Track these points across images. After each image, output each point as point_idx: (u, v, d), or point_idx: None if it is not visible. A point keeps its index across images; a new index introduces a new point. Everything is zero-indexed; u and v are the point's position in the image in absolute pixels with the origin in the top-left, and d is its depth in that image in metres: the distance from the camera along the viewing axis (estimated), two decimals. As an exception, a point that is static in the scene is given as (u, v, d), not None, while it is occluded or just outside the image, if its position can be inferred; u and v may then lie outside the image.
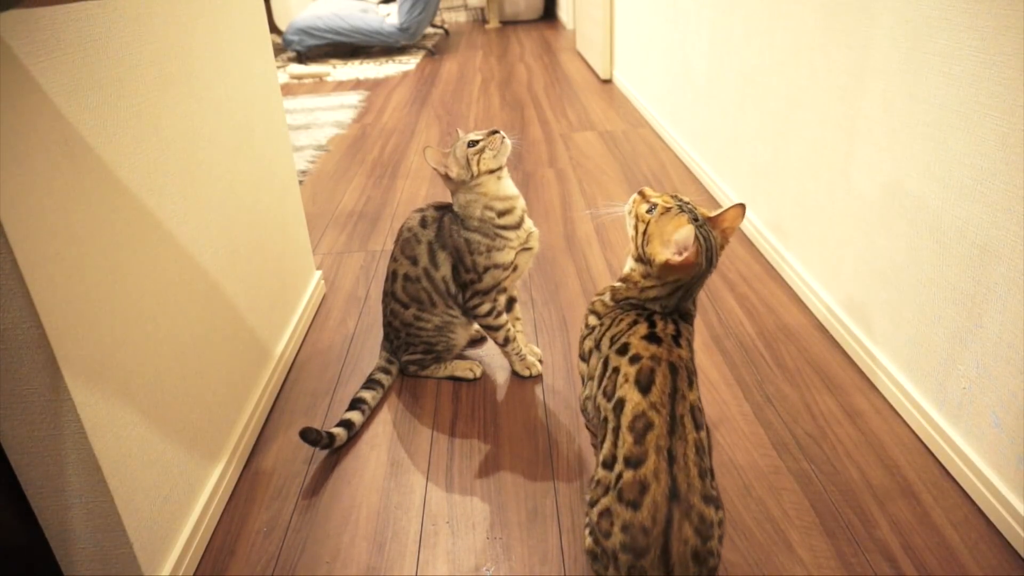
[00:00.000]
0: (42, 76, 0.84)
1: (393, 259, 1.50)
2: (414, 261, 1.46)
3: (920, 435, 1.31)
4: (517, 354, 1.53)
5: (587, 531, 0.94)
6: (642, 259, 1.04)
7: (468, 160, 1.38)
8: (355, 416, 1.40)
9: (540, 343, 1.66)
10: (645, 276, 1.03)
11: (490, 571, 1.11)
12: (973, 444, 1.18)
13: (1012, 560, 1.07)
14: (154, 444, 1.05)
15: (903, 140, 1.31)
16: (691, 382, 0.93)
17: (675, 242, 0.98)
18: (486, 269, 1.42)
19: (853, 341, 1.53)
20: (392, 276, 1.49)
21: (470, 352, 1.65)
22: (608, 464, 0.90)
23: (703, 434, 0.90)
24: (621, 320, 1.02)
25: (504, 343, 1.51)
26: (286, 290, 1.67)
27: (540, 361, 1.59)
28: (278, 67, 4.84)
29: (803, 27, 1.68)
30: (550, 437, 1.37)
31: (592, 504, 0.92)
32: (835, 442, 1.31)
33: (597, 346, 1.04)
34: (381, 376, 1.51)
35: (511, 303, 1.56)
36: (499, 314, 1.48)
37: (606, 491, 0.89)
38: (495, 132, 1.39)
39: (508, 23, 6.62)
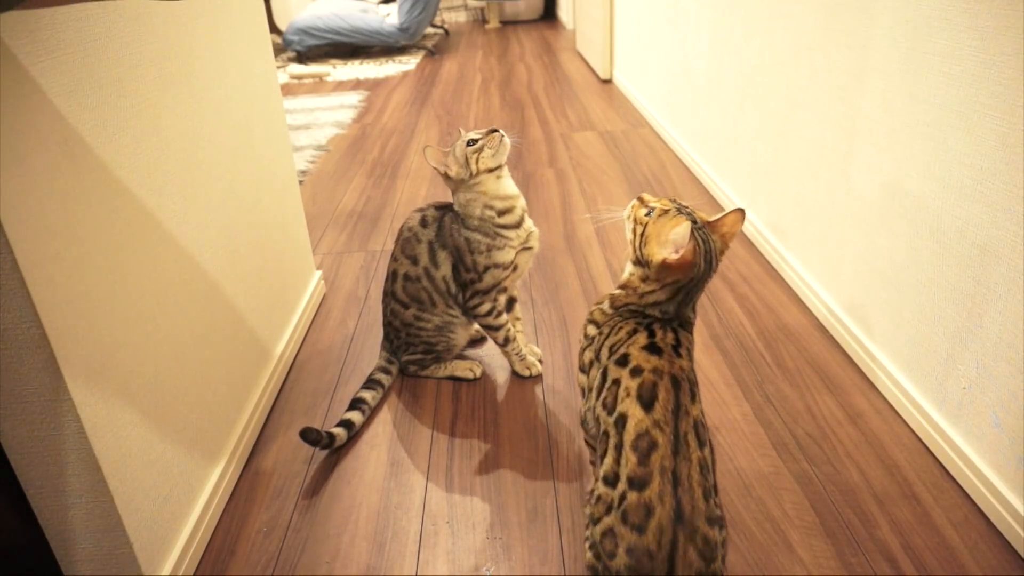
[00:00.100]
0: (42, 76, 0.84)
1: (393, 259, 1.50)
2: (414, 261, 1.46)
3: (920, 435, 1.31)
4: (517, 354, 1.53)
5: (587, 545, 0.93)
6: (640, 261, 1.03)
7: (467, 159, 1.38)
8: (355, 416, 1.40)
9: (540, 343, 1.66)
10: (644, 280, 1.02)
11: (490, 571, 1.11)
12: (973, 444, 1.18)
13: (1012, 560, 1.07)
14: (154, 444, 1.05)
15: (903, 140, 1.31)
16: (693, 395, 0.92)
17: (671, 240, 0.97)
18: (486, 268, 1.42)
19: (853, 341, 1.53)
20: (392, 276, 1.49)
21: (470, 352, 1.66)
22: (610, 481, 0.88)
23: (706, 451, 0.89)
24: (620, 328, 1.01)
25: (504, 343, 1.51)
26: (286, 290, 1.67)
27: (540, 361, 1.59)
28: (278, 67, 4.84)
29: (803, 27, 1.68)
30: (550, 437, 1.37)
31: (594, 521, 0.90)
32: (835, 442, 1.31)
33: (597, 357, 1.02)
34: (381, 376, 1.51)
35: (511, 303, 1.56)
36: (499, 314, 1.48)
37: (608, 509, 0.87)
38: (494, 131, 1.39)
39: (508, 23, 6.62)
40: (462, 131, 1.44)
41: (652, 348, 0.95)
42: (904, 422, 1.35)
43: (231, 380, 1.33)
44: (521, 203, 1.44)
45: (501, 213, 1.41)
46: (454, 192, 1.44)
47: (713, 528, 0.85)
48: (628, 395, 0.90)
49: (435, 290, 1.46)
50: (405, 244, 1.47)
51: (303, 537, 1.18)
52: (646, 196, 1.07)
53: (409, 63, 4.94)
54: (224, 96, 1.36)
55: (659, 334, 0.97)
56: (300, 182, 2.76)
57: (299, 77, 4.63)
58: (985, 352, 1.14)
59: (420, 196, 2.58)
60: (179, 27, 1.19)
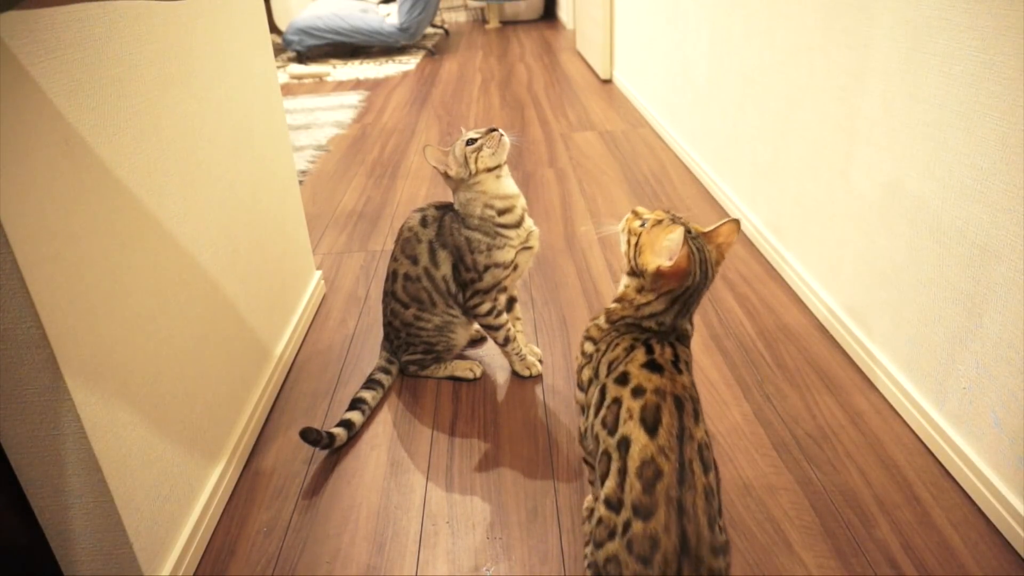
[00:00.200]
0: (42, 76, 0.84)
1: (393, 259, 1.50)
2: (414, 260, 1.46)
3: (920, 435, 1.31)
4: (517, 354, 1.53)
5: (587, 564, 0.92)
6: (635, 272, 1.02)
7: (466, 158, 1.38)
8: (355, 416, 1.40)
9: (540, 343, 1.66)
10: (640, 291, 1.01)
11: (490, 571, 1.11)
12: (973, 444, 1.18)
13: (1012, 560, 1.07)
14: (154, 444, 1.05)
15: (903, 140, 1.31)
16: (697, 415, 0.91)
17: (665, 248, 0.97)
18: (486, 268, 1.42)
19: (853, 341, 1.53)
20: (392, 276, 1.49)
21: (470, 352, 1.66)
22: (613, 506, 0.87)
23: (711, 476, 0.88)
24: (617, 345, 0.99)
25: (504, 343, 1.51)
26: (286, 290, 1.67)
27: (540, 361, 1.59)
28: (278, 67, 4.84)
29: (803, 27, 1.68)
30: (550, 437, 1.37)
31: (597, 544, 0.89)
32: (835, 442, 1.31)
33: (595, 374, 1.01)
34: (381, 376, 1.51)
35: (511, 303, 1.56)
36: (499, 313, 1.48)
37: (612, 535, 0.86)
38: (493, 130, 1.39)
39: (508, 23, 6.62)
40: (464, 130, 1.44)
41: (652, 366, 0.93)
42: (904, 422, 1.35)
43: (231, 380, 1.33)
44: (521, 202, 1.44)
45: (501, 212, 1.41)
46: (454, 191, 1.44)
47: (718, 558, 0.85)
48: (631, 417, 0.89)
49: (435, 290, 1.46)
50: (405, 244, 1.47)
51: (303, 537, 1.18)
52: (640, 209, 1.07)
53: (409, 63, 4.94)
54: (224, 96, 1.36)
55: (657, 350, 0.96)
56: (300, 182, 2.76)
57: (299, 77, 4.63)
58: (985, 352, 1.14)
59: (420, 196, 2.58)
60: (179, 27, 1.19)
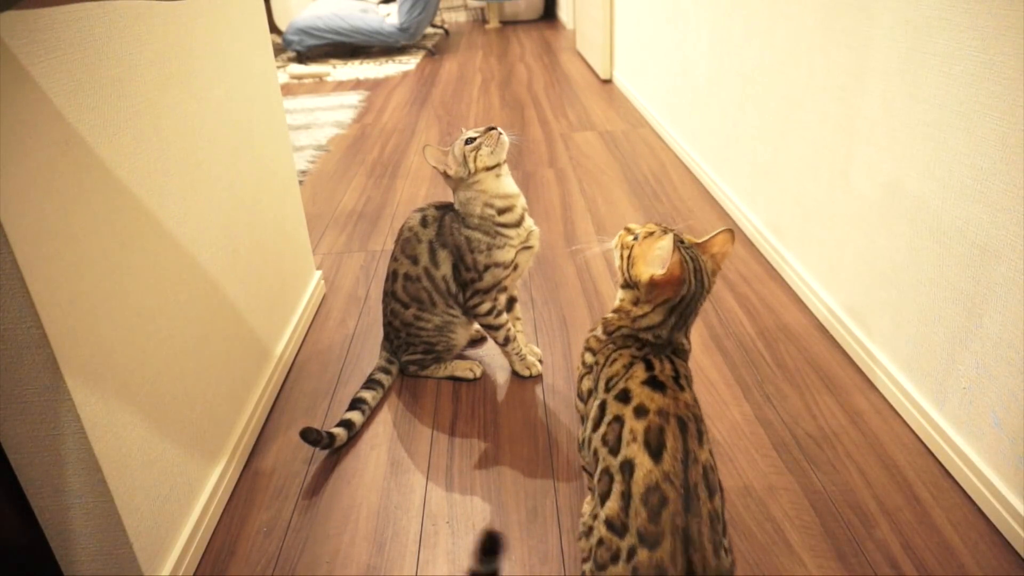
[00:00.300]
0: (42, 76, 0.84)
1: (393, 259, 1.50)
2: (415, 260, 1.46)
3: (920, 435, 1.31)
4: (517, 354, 1.53)
5: None
6: (629, 283, 1.02)
7: (465, 157, 1.38)
8: (355, 416, 1.40)
9: (540, 343, 1.66)
10: (635, 302, 1.01)
11: (490, 571, 1.11)
12: (973, 444, 1.18)
13: (1012, 560, 1.07)
14: (154, 444, 1.05)
15: (903, 140, 1.31)
16: (700, 435, 0.90)
17: (656, 257, 0.96)
18: (486, 267, 1.42)
19: (853, 341, 1.53)
20: (392, 276, 1.49)
21: (470, 352, 1.66)
22: (616, 529, 0.86)
23: (717, 500, 0.87)
24: (615, 360, 0.99)
25: (504, 343, 1.51)
26: (286, 290, 1.67)
27: (540, 361, 1.59)
28: (278, 67, 4.84)
29: (803, 27, 1.68)
30: (550, 437, 1.37)
31: (600, 566, 0.88)
32: (835, 442, 1.31)
33: (595, 387, 1.01)
34: (381, 376, 1.51)
35: (511, 303, 1.56)
36: (499, 313, 1.48)
37: (615, 559, 0.85)
38: (492, 128, 1.39)
39: (508, 23, 6.62)
40: (464, 130, 1.44)
41: (654, 383, 0.92)
42: (904, 422, 1.35)
43: (231, 380, 1.33)
44: (521, 202, 1.44)
45: (501, 212, 1.41)
46: (454, 191, 1.44)
47: None
48: (634, 439, 0.88)
49: (435, 290, 1.46)
50: (405, 244, 1.47)
51: (303, 537, 1.18)
52: (632, 225, 1.07)
53: (409, 63, 4.94)
54: (224, 96, 1.36)
55: (657, 366, 0.95)
56: (300, 182, 2.76)
57: (299, 77, 4.63)
58: (985, 352, 1.14)
59: (420, 196, 2.58)
60: (179, 27, 1.19)
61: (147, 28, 1.09)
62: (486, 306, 1.46)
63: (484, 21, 6.79)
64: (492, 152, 1.39)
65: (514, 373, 1.56)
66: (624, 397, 0.93)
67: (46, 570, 0.98)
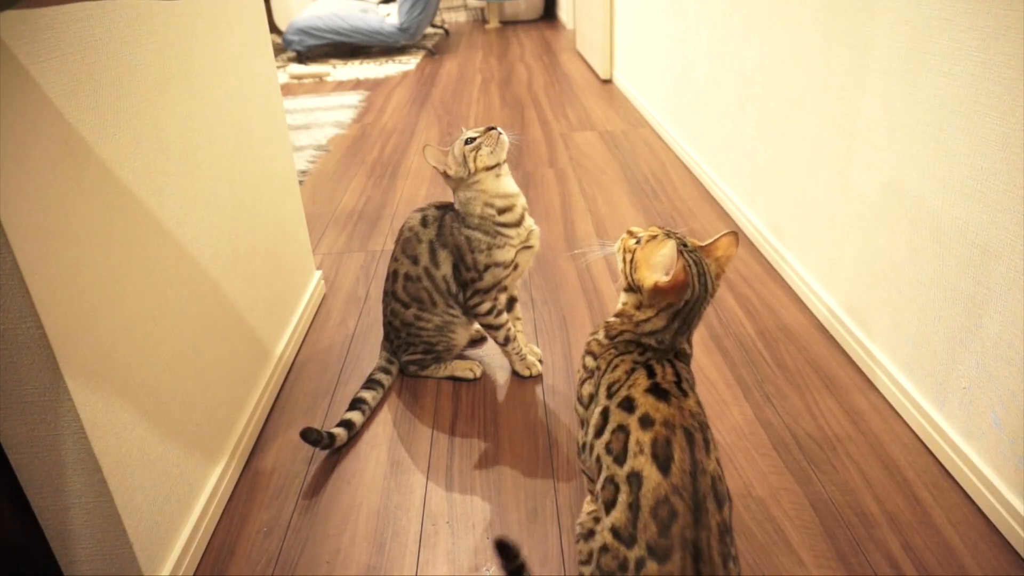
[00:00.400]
0: (42, 76, 0.84)
1: (394, 258, 1.50)
2: (415, 260, 1.46)
3: (920, 435, 1.31)
4: (517, 354, 1.53)
5: None
6: (632, 287, 1.01)
7: (465, 157, 1.38)
8: (355, 416, 1.40)
9: (540, 343, 1.66)
10: (638, 307, 1.00)
11: (490, 571, 1.11)
12: (973, 444, 1.18)
13: (1012, 560, 1.07)
14: (154, 444, 1.05)
15: (903, 140, 1.31)
16: (707, 444, 0.89)
17: (660, 263, 0.96)
18: (487, 267, 1.42)
19: (853, 341, 1.53)
20: (393, 275, 1.50)
21: (470, 352, 1.66)
22: (623, 538, 0.85)
23: (725, 510, 0.87)
24: (617, 366, 0.98)
25: (504, 342, 1.51)
26: (286, 290, 1.67)
27: (540, 361, 1.59)
28: (278, 67, 4.84)
29: (803, 27, 1.68)
30: (550, 437, 1.37)
31: (605, 575, 0.87)
32: (835, 442, 1.31)
33: (596, 392, 1.00)
34: (381, 376, 1.51)
35: (511, 303, 1.56)
36: (499, 313, 1.48)
37: (623, 568, 0.85)
38: (492, 128, 1.40)
39: (508, 23, 6.62)
40: (464, 130, 1.44)
41: (657, 391, 0.92)
42: (904, 422, 1.35)
43: (231, 380, 1.33)
44: (521, 201, 1.44)
45: (501, 211, 1.41)
46: (454, 191, 1.44)
47: None
48: (641, 451, 0.87)
49: (435, 290, 1.46)
50: (406, 244, 1.47)
51: (303, 537, 1.18)
52: (635, 228, 1.06)
53: (409, 63, 4.94)
54: (224, 96, 1.36)
55: (659, 372, 0.95)
56: (300, 182, 2.76)
57: (299, 77, 4.63)
58: (985, 352, 1.14)
59: (420, 196, 2.58)
60: (179, 27, 1.19)
61: (147, 28, 1.09)
62: (486, 306, 1.46)
63: (484, 21, 6.79)
64: (492, 152, 1.39)
65: (514, 373, 1.56)
66: (628, 406, 0.92)
67: (46, 570, 0.98)
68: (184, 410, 1.14)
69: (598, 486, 0.92)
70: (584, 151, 2.95)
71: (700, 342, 1.63)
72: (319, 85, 4.46)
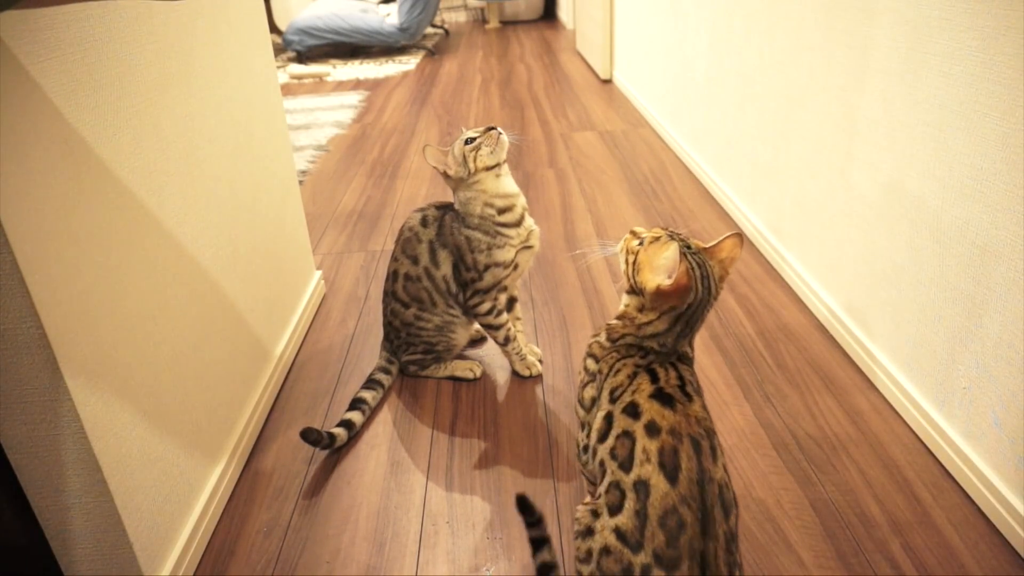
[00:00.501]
0: (42, 76, 0.84)
1: (394, 258, 1.50)
2: (415, 260, 1.46)
3: (920, 435, 1.31)
4: (517, 354, 1.53)
5: None
6: (634, 290, 1.01)
7: (465, 157, 1.38)
8: (355, 416, 1.40)
9: (540, 343, 1.66)
10: (640, 309, 1.00)
11: (490, 571, 1.11)
12: (973, 444, 1.18)
13: (1012, 560, 1.07)
14: (154, 444, 1.05)
15: (903, 140, 1.31)
16: (714, 452, 0.89)
17: (662, 266, 0.95)
18: (487, 267, 1.42)
19: (853, 341, 1.53)
20: (393, 275, 1.50)
21: (470, 352, 1.66)
22: (629, 543, 0.85)
23: (732, 519, 0.87)
24: (619, 371, 0.97)
25: (504, 342, 1.51)
26: (286, 290, 1.67)
27: (540, 361, 1.59)
28: (278, 67, 4.84)
29: (803, 27, 1.68)
30: (550, 437, 1.37)
31: None
32: (835, 442, 1.31)
33: (599, 396, 0.99)
34: (381, 376, 1.51)
35: (512, 303, 1.56)
36: (499, 313, 1.48)
37: (627, 573, 0.85)
38: (492, 128, 1.40)
39: (508, 23, 6.62)
40: (464, 130, 1.44)
41: (661, 397, 0.91)
42: (904, 422, 1.35)
43: (231, 380, 1.33)
44: (521, 201, 1.44)
45: (501, 211, 1.41)
46: (454, 191, 1.44)
47: None
48: (648, 459, 0.86)
49: (435, 290, 1.46)
50: (406, 244, 1.47)
51: (303, 537, 1.18)
52: (638, 229, 1.06)
53: (409, 63, 4.94)
54: (224, 96, 1.36)
55: (662, 376, 0.94)
56: (300, 182, 2.76)
57: (299, 77, 4.63)
58: (985, 352, 1.14)
59: (420, 196, 2.58)
60: (179, 27, 1.19)
61: (147, 28, 1.09)
62: (486, 306, 1.46)
63: (484, 21, 6.79)
64: (492, 152, 1.39)
65: (514, 373, 1.56)
66: (633, 412, 0.91)
67: (46, 570, 0.98)
68: (184, 410, 1.14)
69: (601, 488, 0.91)
70: (584, 151, 2.95)
71: (700, 342, 1.63)
72: (319, 85, 4.46)
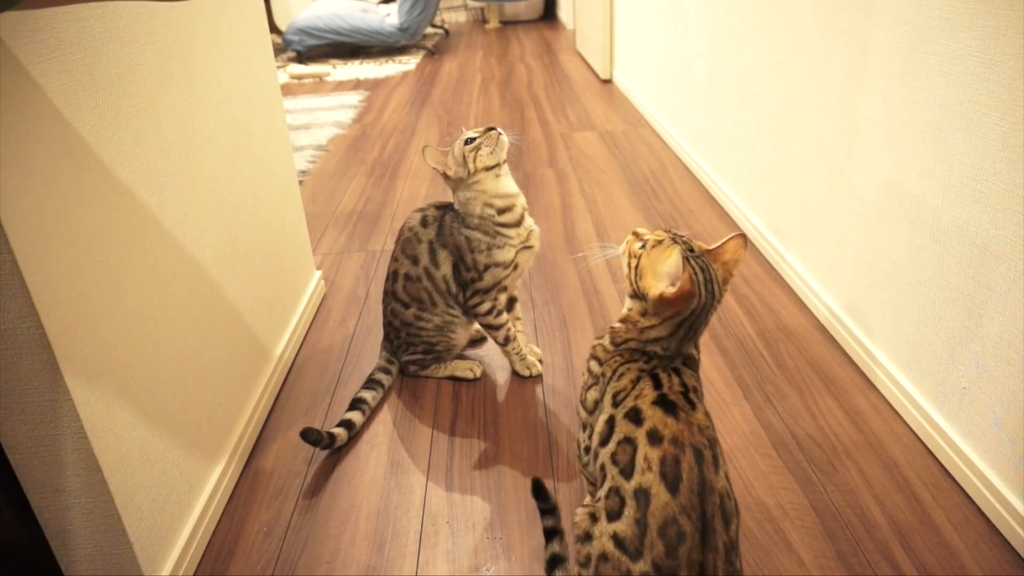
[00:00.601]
0: (42, 76, 0.84)
1: (394, 259, 1.50)
2: (415, 260, 1.46)
3: (920, 435, 1.31)
4: (517, 354, 1.53)
5: None
6: (637, 295, 0.99)
7: (465, 157, 1.38)
8: (355, 416, 1.40)
9: (540, 343, 1.66)
10: (643, 314, 0.98)
11: (490, 571, 1.11)
12: (973, 444, 1.18)
13: (1012, 560, 1.07)
14: (154, 444, 1.05)
15: (903, 140, 1.31)
16: (716, 461, 0.88)
17: (666, 273, 0.94)
18: (486, 267, 1.42)
19: (853, 341, 1.53)
20: (393, 276, 1.50)
21: (470, 352, 1.66)
22: (628, 551, 0.85)
23: (732, 528, 0.86)
24: (623, 375, 0.96)
25: (504, 342, 1.51)
26: (286, 290, 1.67)
27: (540, 361, 1.59)
28: (278, 67, 4.84)
29: (803, 27, 1.68)
30: (550, 437, 1.37)
31: None
32: (835, 442, 1.31)
33: (602, 399, 0.98)
34: (381, 376, 1.51)
35: (512, 303, 1.56)
36: (499, 313, 1.48)
37: None
38: (491, 129, 1.40)
39: (508, 23, 6.62)
40: (464, 130, 1.44)
41: (664, 404, 0.90)
42: (904, 422, 1.35)
43: (231, 380, 1.33)
44: (521, 201, 1.44)
45: (501, 211, 1.41)
46: (454, 191, 1.44)
47: None
48: (649, 468, 0.86)
49: (435, 290, 1.46)
50: (406, 244, 1.47)
51: (303, 537, 1.18)
52: (640, 230, 1.04)
53: (409, 63, 4.94)
54: (224, 96, 1.36)
55: (665, 382, 0.93)
56: (300, 182, 2.76)
57: (299, 77, 4.63)
58: (985, 352, 1.14)
59: (420, 196, 2.58)
60: (179, 27, 1.19)
61: (147, 28, 1.09)
62: (486, 306, 1.46)
63: (484, 21, 6.79)
64: (492, 152, 1.39)
65: (514, 373, 1.56)
66: (635, 418, 0.90)
67: (46, 570, 0.98)
68: (184, 410, 1.14)
69: (601, 492, 0.91)
70: (584, 151, 2.95)
71: (701, 342, 1.63)
72: (319, 85, 4.46)
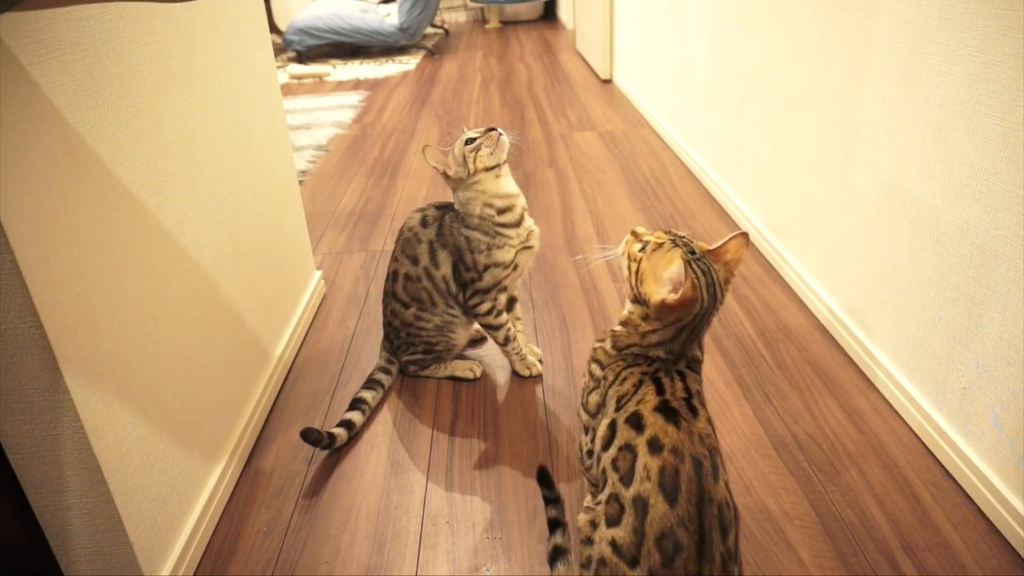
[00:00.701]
0: (42, 76, 0.84)
1: (394, 259, 1.50)
2: (415, 260, 1.46)
3: (920, 435, 1.31)
4: (517, 354, 1.53)
5: None
6: (638, 300, 0.98)
7: (465, 157, 1.38)
8: (355, 416, 1.40)
9: (540, 343, 1.66)
10: (644, 318, 0.97)
11: (490, 571, 1.11)
12: (973, 444, 1.18)
13: (1012, 560, 1.07)
14: (154, 444, 1.05)
15: (903, 140, 1.31)
16: (716, 471, 0.87)
17: (667, 279, 0.92)
18: (486, 267, 1.42)
19: (853, 341, 1.53)
20: (393, 276, 1.50)
21: (470, 352, 1.66)
22: (625, 558, 0.85)
23: (731, 539, 0.86)
24: (625, 379, 0.96)
25: (504, 342, 1.51)
26: (286, 290, 1.67)
27: (540, 361, 1.59)
28: (278, 67, 4.84)
29: (803, 27, 1.68)
30: (550, 437, 1.37)
31: None
32: (835, 442, 1.31)
33: (604, 403, 0.98)
34: (381, 376, 1.51)
35: (511, 303, 1.56)
36: (499, 313, 1.48)
37: None
38: (492, 129, 1.40)
39: (508, 23, 6.62)
40: (464, 130, 1.44)
41: (666, 411, 0.89)
42: (904, 422, 1.35)
43: (231, 380, 1.33)
44: (521, 202, 1.44)
45: (501, 212, 1.41)
46: (454, 191, 1.44)
47: None
48: (648, 477, 0.85)
49: (435, 290, 1.46)
50: (405, 244, 1.47)
51: (303, 537, 1.18)
52: (639, 230, 1.02)
53: (409, 63, 4.94)
54: (224, 96, 1.36)
55: (668, 387, 0.92)
56: (300, 182, 2.76)
57: (299, 77, 4.63)
58: (985, 352, 1.14)
59: (420, 196, 2.58)
60: (179, 27, 1.19)
61: (147, 28, 1.09)
62: (486, 306, 1.46)
63: (484, 21, 6.79)
64: (492, 152, 1.39)
65: (514, 373, 1.56)
66: (636, 424, 0.90)
67: (46, 570, 0.98)
68: (184, 410, 1.14)
69: (602, 496, 0.91)
70: (584, 151, 2.95)
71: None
72: (319, 85, 4.46)
